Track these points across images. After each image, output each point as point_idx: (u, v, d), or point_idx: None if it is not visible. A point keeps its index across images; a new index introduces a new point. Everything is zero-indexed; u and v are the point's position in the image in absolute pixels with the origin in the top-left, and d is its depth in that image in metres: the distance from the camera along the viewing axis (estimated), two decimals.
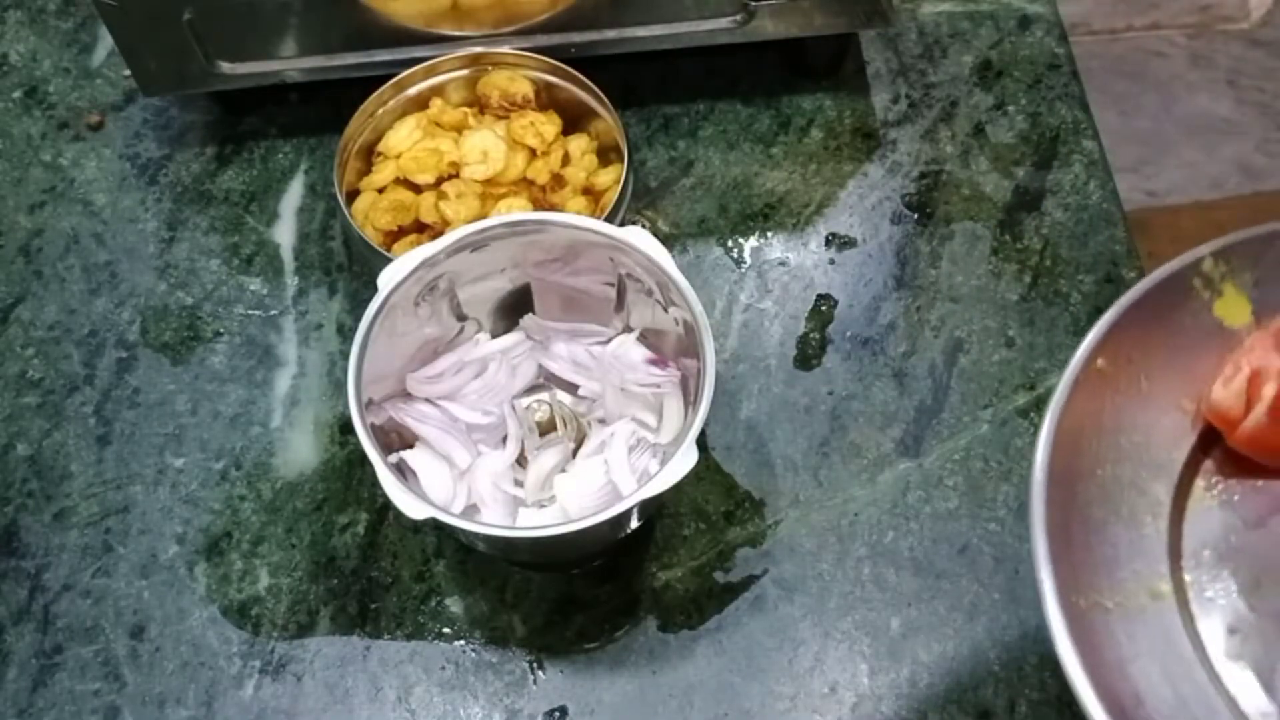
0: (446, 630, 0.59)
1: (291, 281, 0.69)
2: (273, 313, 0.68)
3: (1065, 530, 0.43)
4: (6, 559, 0.61)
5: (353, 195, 0.66)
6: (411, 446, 0.58)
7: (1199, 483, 0.47)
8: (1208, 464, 0.48)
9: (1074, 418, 0.44)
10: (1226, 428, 0.47)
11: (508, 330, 0.62)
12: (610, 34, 0.68)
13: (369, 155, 0.67)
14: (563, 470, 0.58)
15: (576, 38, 0.68)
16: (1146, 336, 0.47)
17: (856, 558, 0.60)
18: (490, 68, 0.67)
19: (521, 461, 0.59)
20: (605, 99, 0.66)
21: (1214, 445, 0.48)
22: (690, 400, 0.57)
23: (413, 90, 0.67)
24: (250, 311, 0.68)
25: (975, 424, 0.63)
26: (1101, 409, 0.46)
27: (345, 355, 0.55)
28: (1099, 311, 0.65)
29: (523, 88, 0.67)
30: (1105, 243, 0.69)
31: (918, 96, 0.75)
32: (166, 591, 0.60)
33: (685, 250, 0.69)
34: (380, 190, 0.65)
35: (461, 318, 0.61)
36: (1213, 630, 0.44)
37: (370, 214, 0.64)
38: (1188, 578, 0.45)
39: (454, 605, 0.60)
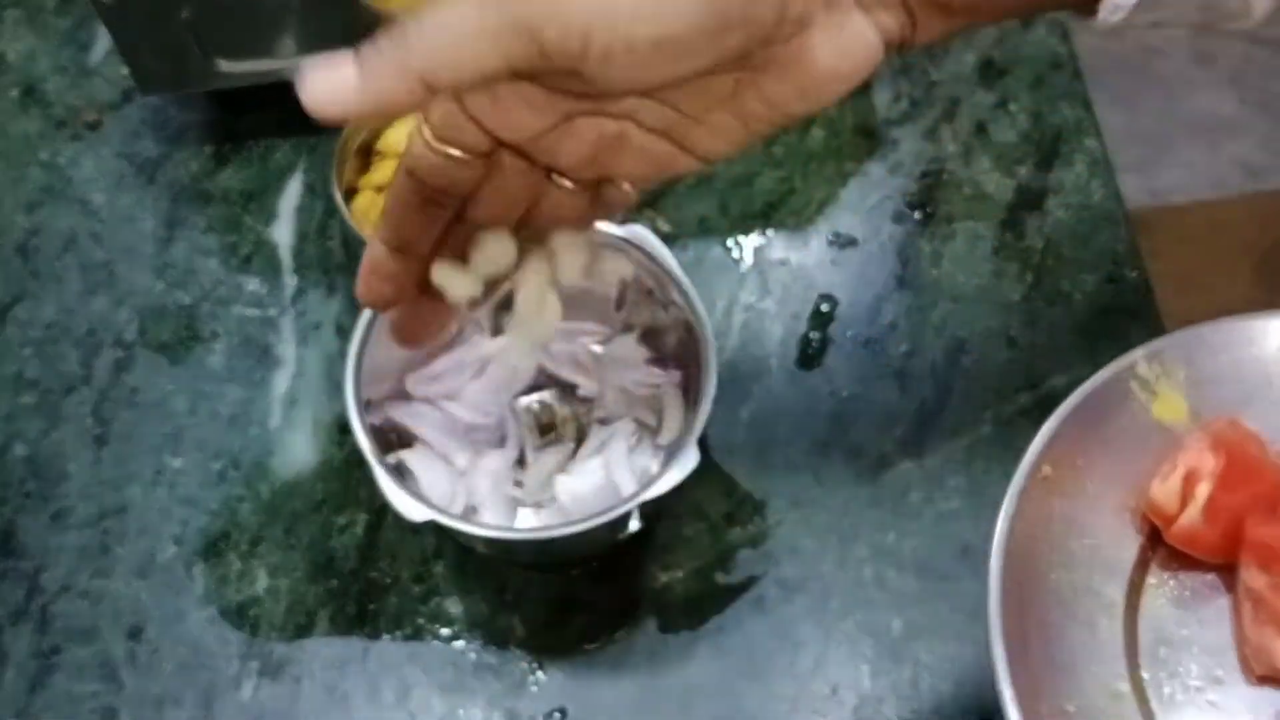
0: (446, 631, 0.59)
1: (290, 281, 0.69)
2: (271, 312, 0.68)
3: (1023, 637, 0.44)
4: (4, 559, 0.61)
5: (351, 194, 0.65)
6: (411, 447, 0.58)
7: (1150, 580, 0.49)
8: (1156, 560, 0.49)
9: (1024, 525, 0.46)
10: (1164, 524, 0.49)
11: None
12: None
13: (368, 154, 0.66)
14: (563, 470, 0.58)
15: None
16: (1089, 441, 0.49)
17: (858, 558, 0.60)
18: None
19: (521, 462, 0.59)
20: None
21: (1160, 542, 0.49)
22: (690, 400, 0.56)
23: None
24: (248, 311, 0.68)
25: (977, 424, 0.63)
26: (1050, 515, 0.47)
27: (344, 355, 0.55)
28: (1103, 312, 0.65)
29: None
30: (1108, 242, 0.69)
31: (919, 95, 0.74)
32: (164, 592, 0.60)
33: (686, 249, 0.69)
34: (379, 189, 0.65)
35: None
36: None
37: (369, 213, 0.64)
38: (1145, 676, 0.46)
39: (453, 606, 0.60)
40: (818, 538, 0.61)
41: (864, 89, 0.75)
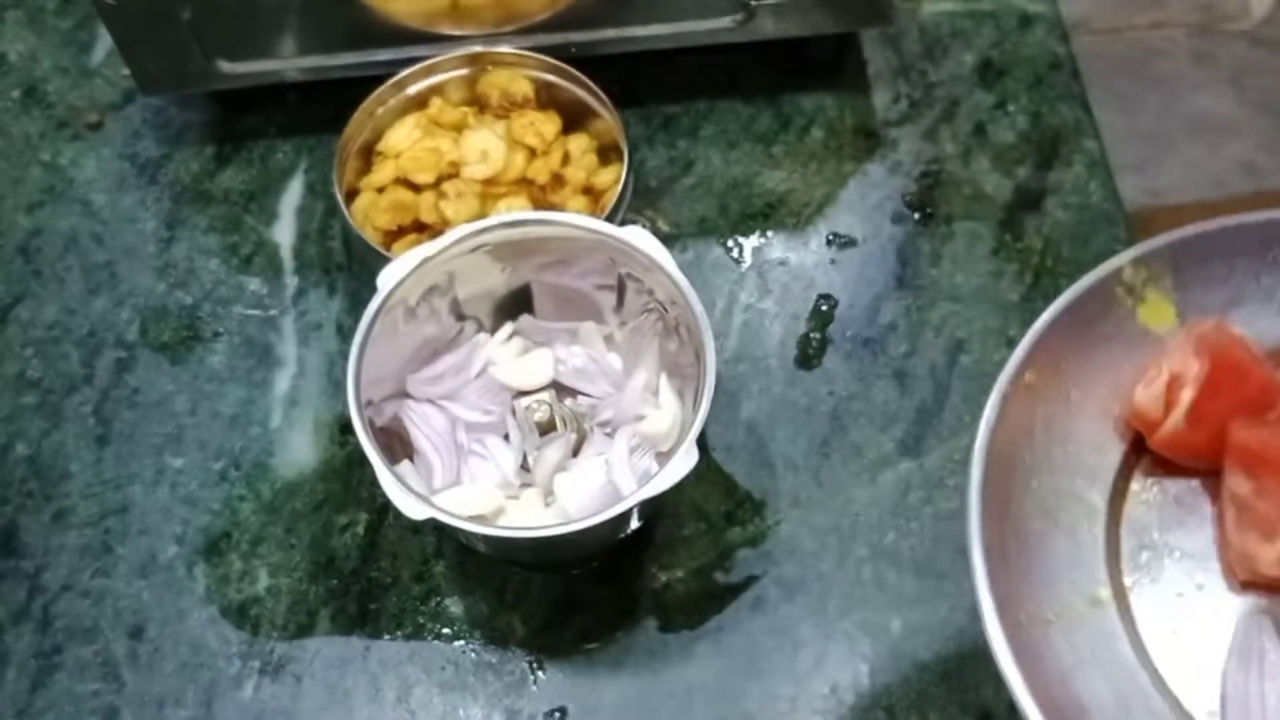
0: (446, 631, 0.59)
1: (291, 281, 0.69)
2: (272, 312, 0.68)
3: (1002, 546, 0.43)
4: (5, 559, 0.61)
5: (352, 195, 0.66)
6: (412, 446, 0.58)
7: (1133, 485, 0.48)
8: (1140, 467, 0.48)
9: (1006, 432, 0.45)
10: (1147, 430, 0.48)
11: None
12: (610, 34, 0.68)
13: (368, 155, 0.67)
14: (563, 470, 0.58)
15: (576, 37, 0.68)
16: (1073, 347, 0.48)
17: (857, 558, 0.60)
18: (490, 67, 0.67)
19: (524, 464, 0.59)
20: (605, 99, 0.66)
21: (1144, 449, 0.48)
22: (690, 400, 0.57)
23: (412, 89, 0.67)
24: (249, 311, 0.68)
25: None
26: (1032, 421, 0.47)
27: (345, 355, 0.55)
28: None
29: (523, 87, 0.67)
30: (1107, 242, 0.69)
31: (918, 96, 0.75)
32: (165, 592, 0.60)
33: (685, 250, 0.69)
34: (380, 190, 0.65)
35: (461, 318, 0.60)
36: (1155, 632, 0.45)
37: (370, 214, 0.64)
38: (1127, 581, 0.46)
39: (454, 606, 0.60)
40: (817, 537, 0.61)
41: (863, 90, 0.75)
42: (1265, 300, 0.50)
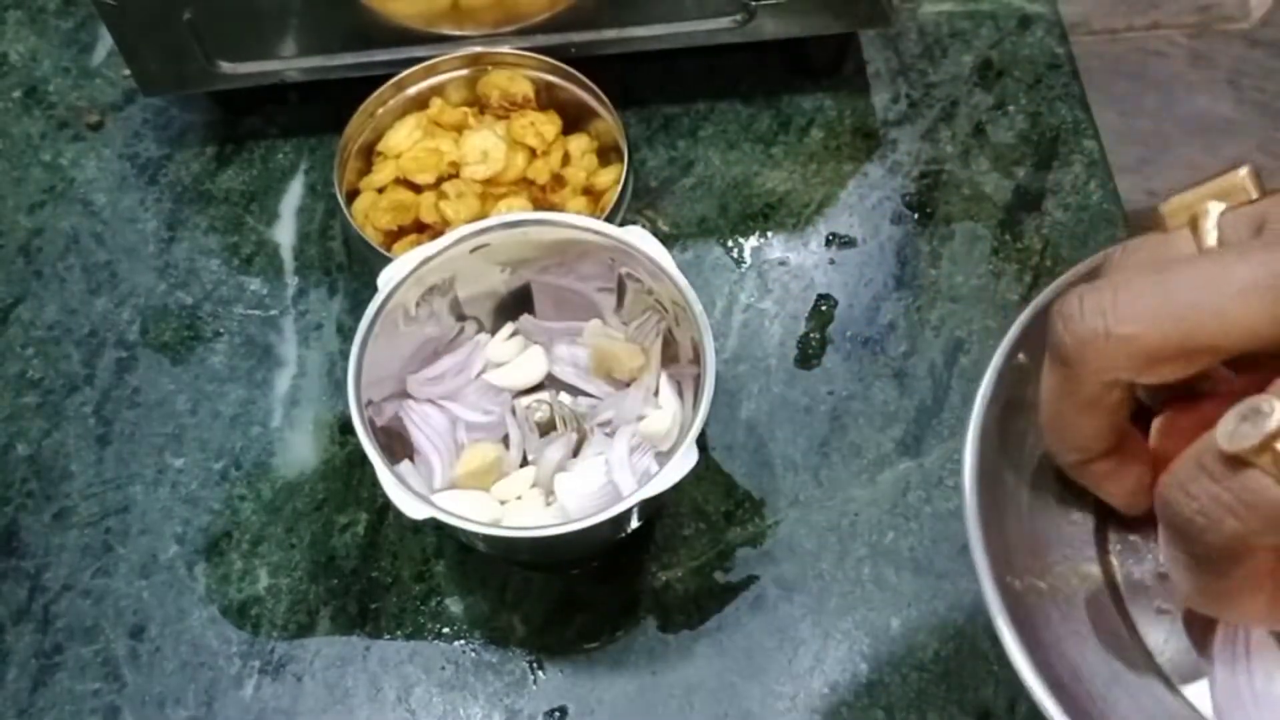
0: (446, 630, 0.59)
1: (291, 281, 0.69)
2: (272, 312, 0.68)
3: (999, 516, 0.45)
4: (6, 559, 0.61)
5: (353, 195, 0.66)
6: (412, 446, 0.58)
7: None
8: None
9: (999, 411, 0.46)
10: None
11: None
12: (610, 34, 0.68)
13: (369, 155, 0.67)
14: (563, 470, 0.58)
15: (576, 38, 0.68)
16: None
17: (857, 558, 0.60)
18: (490, 68, 0.67)
19: (524, 462, 0.59)
20: (605, 99, 0.66)
21: None
22: (690, 400, 0.57)
23: (413, 90, 0.67)
24: (250, 311, 0.68)
25: None
26: (1024, 401, 0.47)
27: (345, 355, 0.55)
28: None
29: (523, 88, 0.67)
30: (1106, 243, 0.69)
31: (918, 96, 0.75)
32: (166, 591, 0.60)
33: (685, 250, 0.69)
34: (380, 190, 0.65)
35: (461, 318, 0.61)
36: (1142, 610, 0.46)
37: (370, 214, 0.64)
38: (1114, 561, 0.47)
39: (454, 605, 0.60)
40: (817, 537, 0.61)
41: (863, 91, 0.75)
42: None
